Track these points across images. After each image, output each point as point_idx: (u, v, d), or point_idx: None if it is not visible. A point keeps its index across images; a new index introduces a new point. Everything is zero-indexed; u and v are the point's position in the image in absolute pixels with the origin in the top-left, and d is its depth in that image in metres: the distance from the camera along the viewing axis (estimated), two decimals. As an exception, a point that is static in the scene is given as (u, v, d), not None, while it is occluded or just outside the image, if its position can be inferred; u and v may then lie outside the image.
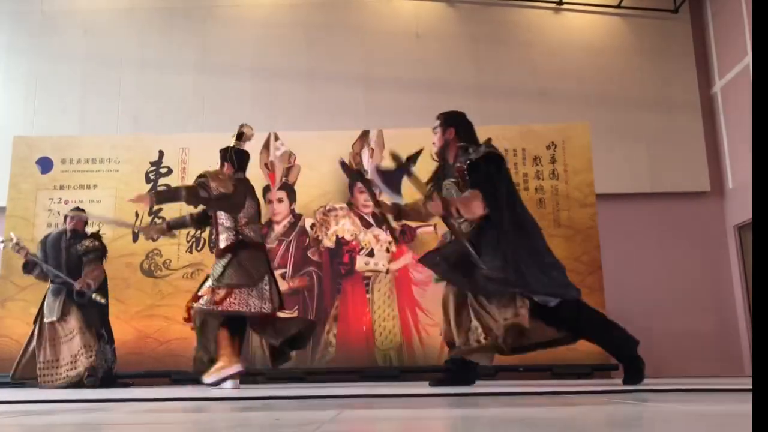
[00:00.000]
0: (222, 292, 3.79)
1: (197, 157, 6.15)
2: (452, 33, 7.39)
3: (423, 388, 3.15)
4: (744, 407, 1.61)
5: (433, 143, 3.53)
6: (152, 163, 6.18)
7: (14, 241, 5.04)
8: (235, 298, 3.80)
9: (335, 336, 5.74)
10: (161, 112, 7.07)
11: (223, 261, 3.88)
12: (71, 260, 5.01)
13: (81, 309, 4.93)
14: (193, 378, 5.30)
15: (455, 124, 3.50)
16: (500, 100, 6.95)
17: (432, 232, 5.95)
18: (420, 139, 6.12)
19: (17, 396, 3.13)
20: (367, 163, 6.05)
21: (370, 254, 5.93)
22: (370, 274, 5.89)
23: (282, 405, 2.13)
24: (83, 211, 5.34)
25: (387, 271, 5.88)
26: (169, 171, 6.14)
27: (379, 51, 7.27)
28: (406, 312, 5.77)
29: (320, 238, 5.98)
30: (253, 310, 3.86)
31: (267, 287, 3.94)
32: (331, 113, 7.00)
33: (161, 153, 6.19)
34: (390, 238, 5.93)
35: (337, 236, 5.97)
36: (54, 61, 7.28)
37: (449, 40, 7.35)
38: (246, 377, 5.40)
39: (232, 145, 4.18)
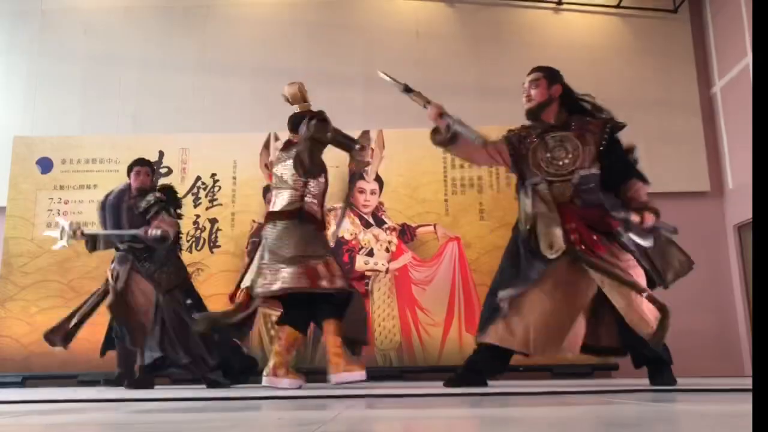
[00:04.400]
0: None
1: (197, 157, 6.15)
2: (452, 33, 7.38)
3: (423, 388, 3.15)
4: (744, 407, 1.61)
5: (529, 96, 3.31)
6: (152, 163, 6.18)
7: (66, 230, 4.29)
8: None
9: (335, 336, 5.74)
10: (161, 112, 7.06)
11: None
12: (134, 222, 4.22)
13: (148, 282, 4.21)
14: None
15: (561, 82, 3.30)
16: (500, 100, 6.93)
17: (432, 232, 5.96)
18: (420, 140, 6.15)
19: (18, 396, 3.13)
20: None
21: (370, 254, 5.93)
22: (369, 273, 5.89)
23: (282, 405, 2.13)
24: (149, 164, 4.52)
25: (387, 271, 5.88)
26: (169, 171, 6.14)
27: (379, 51, 7.27)
28: (405, 312, 5.76)
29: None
30: None
31: None
32: (331, 113, 6.91)
33: (161, 153, 6.19)
34: (390, 238, 5.94)
35: (336, 236, 5.98)
36: (54, 61, 7.28)
37: (449, 40, 7.35)
38: (246, 377, 5.40)
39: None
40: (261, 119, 6.89)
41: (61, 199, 6.05)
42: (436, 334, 5.67)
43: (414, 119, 6.88)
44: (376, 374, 5.53)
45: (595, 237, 3.04)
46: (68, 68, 7.24)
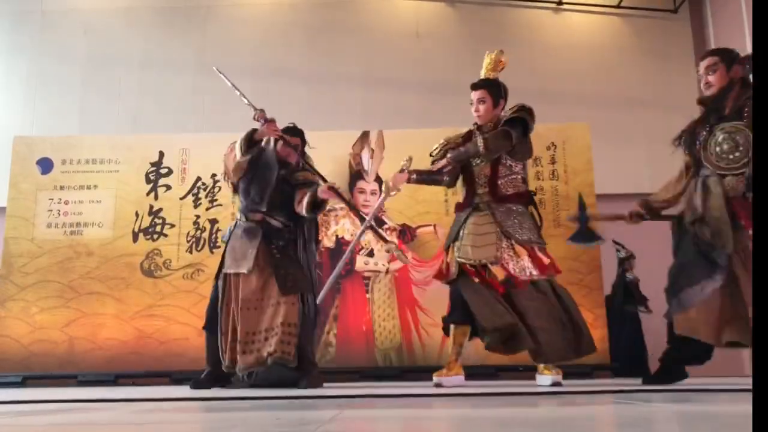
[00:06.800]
0: None
1: (197, 157, 6.14)
2: (452, 33, 7.39)
3: (423, 388, 3.15)
4: (744, 407, 1.60)
5: (707, 82, 3.15)
6: (152, 164, 6.16)
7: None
8: None
9: (335, 336, 5.74)
10: (161, 112, 7.07)
11: None
12: (283, 192, 3.65)
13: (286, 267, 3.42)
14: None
15: (740, 61, 3.09)
16: (500, 100, 6.94)
17: (432, 232, 5.95)
18: (420, 140, 6.16)
19: (17, 396, 3.13)
20: (368, 164, 6.04)
21: (370, 254, 5.93)
22: (369, 274, 5.88)
23: (282, 405, 2.13)
24: (299, 134, 3.84)
25: (387, 271, 5.88)
26: (170, 171, 6.14)
27: (379, 51, 7.27)
28: (405, 312, 5.76)
29: (320, 238, 5.98)
30: None
31: None
32: (331, 113, 7.00)
33: (161, 153, 6.18)
34: (390, 238, 5.93)
35: (337, 236, 5.97)
36: (54, 61, 7.29)
37: (449, 40, 7.35)
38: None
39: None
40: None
41: (61, 199, 6.05)
42: (436, 334, 5.66)
43: (414, 119, 6.90)
44: (376, 374, 5.54)
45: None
46: (68, 68, 7.24)
